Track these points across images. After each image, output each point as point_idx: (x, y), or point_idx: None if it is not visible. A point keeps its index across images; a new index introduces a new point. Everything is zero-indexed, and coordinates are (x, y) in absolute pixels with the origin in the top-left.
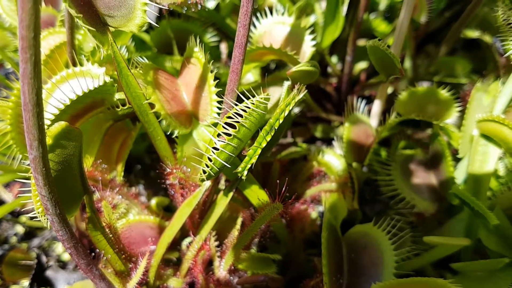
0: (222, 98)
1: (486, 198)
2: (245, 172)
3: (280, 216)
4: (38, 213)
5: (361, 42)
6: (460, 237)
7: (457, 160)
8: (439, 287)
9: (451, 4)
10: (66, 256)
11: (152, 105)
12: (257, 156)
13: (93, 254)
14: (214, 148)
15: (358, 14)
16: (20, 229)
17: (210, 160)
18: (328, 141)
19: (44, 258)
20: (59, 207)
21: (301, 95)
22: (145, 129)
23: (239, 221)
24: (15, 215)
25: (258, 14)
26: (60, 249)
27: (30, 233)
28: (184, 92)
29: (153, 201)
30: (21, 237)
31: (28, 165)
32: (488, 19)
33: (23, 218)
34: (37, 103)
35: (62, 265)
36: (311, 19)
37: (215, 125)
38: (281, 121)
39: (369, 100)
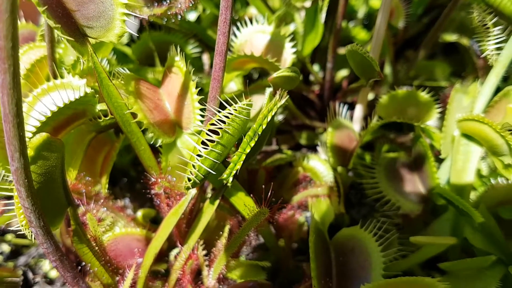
0: (205, 106)
1: (469, 197)
2: (231, 179)
3: (268, 222)
4: (22, 226)
5: (342, 51)
6: (447, 236)
7: (440, 161)
8: (428, 285)
9: (428, 10)
10: (53, 274)
11: (134, 115)
12: (241, 162)
13: (79, 267)
14: (199, 155)
15: (336, 21)
16: (5, 247)
17: (194, 167)
18: (313, 148)
19: (30, 275)
20: (43, 219)
21: (283, 101)
22: (128, 139)
23: (227, 229)
24: (0, 233)
25: (239, 24)
26: (47, 267)
27: (16, 251)
28: (167, 101)
29: (139, 213)
30: (6, 256)
31: (11, 180)
32: (465, 24)
33: (9, 236)
34: (17, 113)
35: (49, 281)
36: (291, 27)
37: (199, 132)
38: (264, 126)
39: (351, 107)
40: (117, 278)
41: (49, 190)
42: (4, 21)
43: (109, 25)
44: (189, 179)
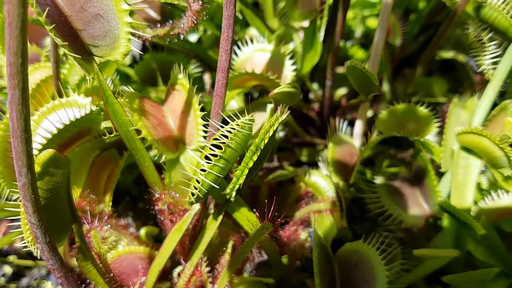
0: (208, 121)
1: (471, 209)
2: (234, 193)
3: (271, 238)
4: (28, 242)
5: (340, 70)
6: (449, 249)
7: (440, 175)
8: None
9: (424, 28)
10: None
11: (138, 132)
12: (244, 177)
13: (83, 285)
14: (202, 170)
15: (335, 40)
16: (8, 269)
17: (198, 182)
18: (314, 165)
19: None
20: (49, 235)
21: (284, 116)
22: (132, 156)
23: (230, 245)
24: (2, 254)
25: (240, 43)
26: None
27: (19, 273)
28: (170, 118)
29: (142, 231)
30: (9, 278)
31: (15, 200)
32: (461, 41)
33: (11, 258)
34: (25, 129)
35: None
36: (290, 46)
37: (202, 148)
38: (266, 141)
39: (351, 124)
40: None
41: (55, 206)
42: (14, 38)
43: (115, 43)
44: (193, 194)
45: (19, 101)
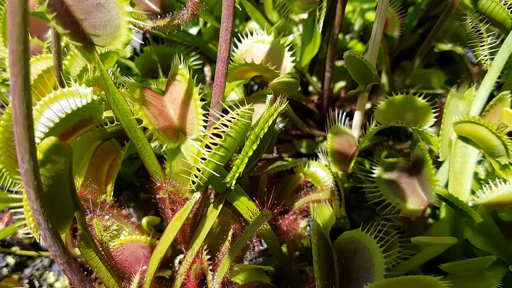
0: (208, 111)
1: (468, 198)
2: (234, 182)
3: (270, 227)
4: (31, 228)
5: (339, 63)
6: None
7: (438, 165)
8: (429, 284)
9: (423, 21)
10: (58, 285)
11: (139, 122)
12: (244, 165)
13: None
14: (203, 158)
15: (334, 31)
16: (11, 260)
17: (199, 170)
18: (313, 156)
19: (37, 283)
20: (51, 222)
21: (283, 106)
22: (134, 146)
23: (230, 233)
24: (5, 245)
25: (240, 36)
26: (51, 279)
27: (21, 263)
28: (171, 108)
29: (144, 220)
30: (12, 268)
31: (17, 192)
32: (459, 33)
33: (14, 248)
34: (27, 115)
35: None
36: (290, 38)
37: (203, 137)
38: (265, 130)
39: (350, 117)
40: (123, 283)
41: (57, 194)
42: (16, 24)
43: (115, 33)
44: (194, 182)
45: (21, 88)
